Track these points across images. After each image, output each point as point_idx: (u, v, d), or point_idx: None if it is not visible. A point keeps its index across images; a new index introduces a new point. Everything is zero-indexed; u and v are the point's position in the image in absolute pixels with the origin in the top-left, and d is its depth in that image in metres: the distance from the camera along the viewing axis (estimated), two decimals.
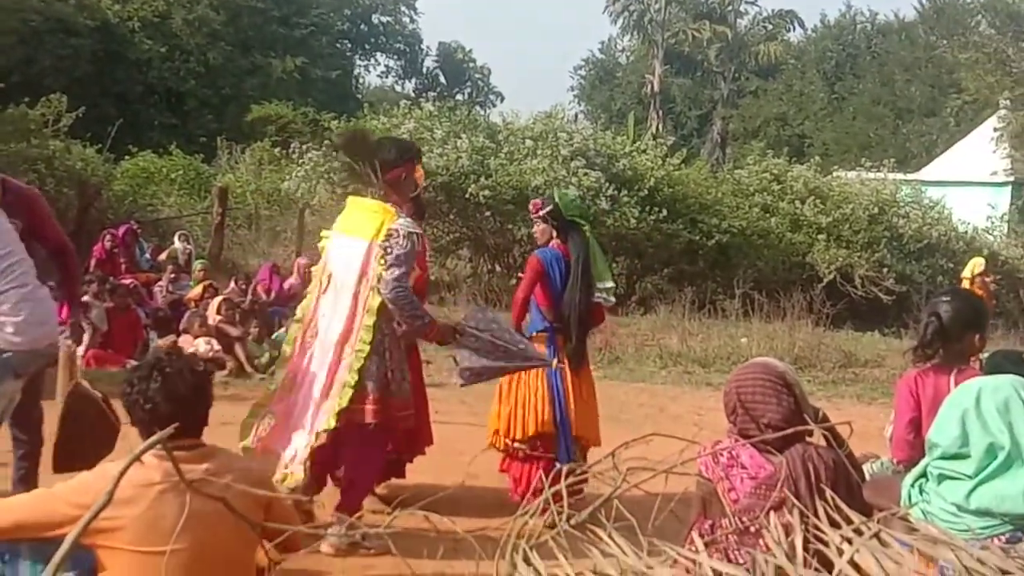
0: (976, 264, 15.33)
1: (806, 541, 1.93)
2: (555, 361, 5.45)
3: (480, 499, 5.32)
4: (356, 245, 4.65)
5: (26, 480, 4.46)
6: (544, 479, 2.36)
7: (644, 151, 18.10)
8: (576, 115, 32.58)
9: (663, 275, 17.53)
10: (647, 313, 15.28)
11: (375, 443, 4.75)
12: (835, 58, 46.40)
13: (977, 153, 26.65)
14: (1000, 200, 24.83)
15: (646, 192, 16.45)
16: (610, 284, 5.62)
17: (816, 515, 1.98)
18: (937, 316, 3.74)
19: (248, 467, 3.06)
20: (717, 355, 11.80)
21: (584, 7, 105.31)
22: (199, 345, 9.83)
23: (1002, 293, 18.10)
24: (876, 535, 1.88)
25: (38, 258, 4.37)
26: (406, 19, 52.23)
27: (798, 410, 3.09)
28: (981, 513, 2.67)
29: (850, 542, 1.84)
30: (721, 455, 3.07)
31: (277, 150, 21.66)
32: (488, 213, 15.90)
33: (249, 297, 11.70)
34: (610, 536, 1.96)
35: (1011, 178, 25.94)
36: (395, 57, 53.79)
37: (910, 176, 24.88)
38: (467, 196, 15.45)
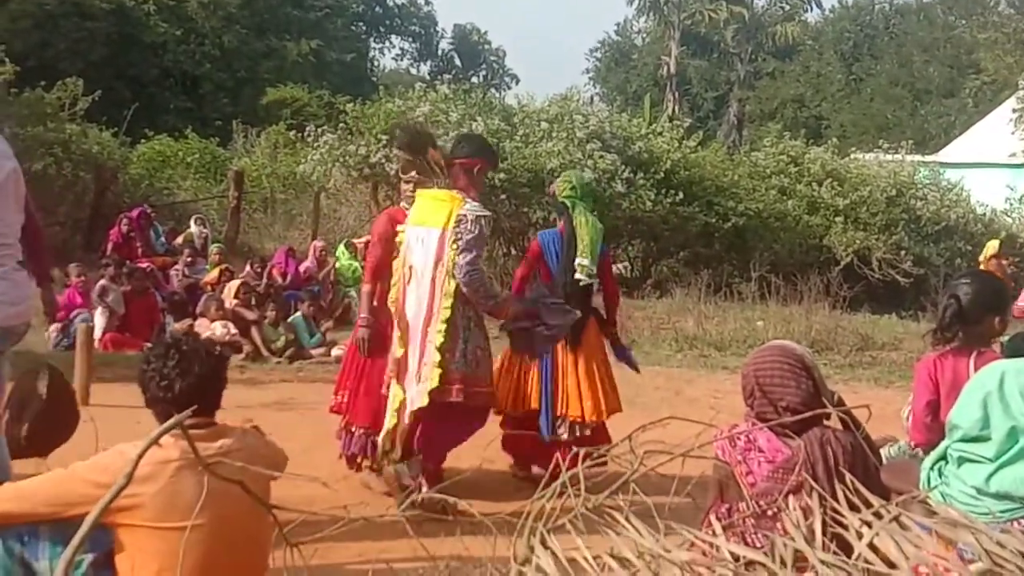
0: (989, 247, 15.20)
1: (825, 524, 1.92)
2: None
3: (497, 483, 5.34)
4: (431, 234, 4.92)
5: None
6: (561, 463, 2.36)
7: (660, 133, 18.02)
8: (592, 97, 32.43)
9: (679, 258, 17.46)
10: (663, 296, 15.23)
11: (456, 419, 4.97)
12: (853, 39, 46.10)
13: (996, 134, 26.41)
14: (1019, 181, 24.56)
15: (662, 175, 16.38)
16: (584, 261, 5.67)
17: (835, 498, 1.97)
18: (956, 298, 3.71)
19: (256, 446, 3.07)
20: (733, 338, 11.75)
21: None
22: (215, 328, 9.86)
23: (1020, 275, 17.96)
24: (896, 518, 1.87)
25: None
26: (421, 1, 52.20)
27: (817, 393, 3.07)
28: (1001, 496, 2.65)
29: (869, 525, 1.83)
30: (738, 438, 3.06)
31: (292, 133, 21.64)
32: (503, 196, 15.86)
33: (265, 280, 11.73)
34: (627, 519, 1.95)
35: None
36: (410, 39, 53.77)
37: (928, 158, 24.72)
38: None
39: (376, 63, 50.87)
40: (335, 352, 9.67)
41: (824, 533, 1.89)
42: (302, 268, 12.60)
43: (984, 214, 20.46)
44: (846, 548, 1.83)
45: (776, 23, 45.37)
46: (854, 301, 14.50)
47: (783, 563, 1.79)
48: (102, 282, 10.21)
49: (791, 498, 2.23)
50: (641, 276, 16.74)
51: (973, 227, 19.53)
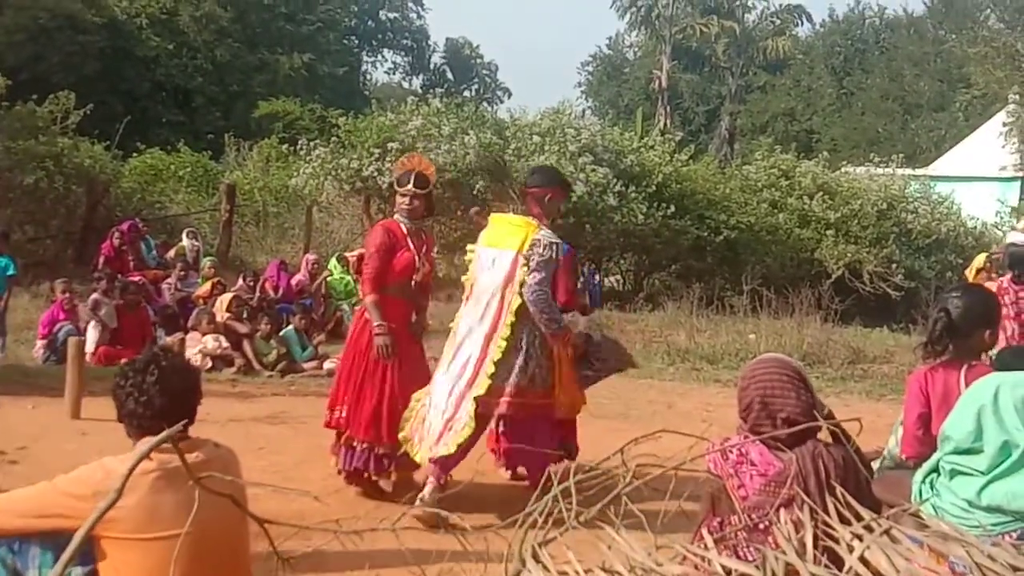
0: (977, 261, 15.22)
1: (816, 538, 1.92)
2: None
3: (489, 496, 5.32)
4: (504, 255, 5.19)
5: None
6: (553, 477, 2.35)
7: (652, 147, 18.08)
8: (584, 111, 32.50)
9: (671, 271, 17.51)
10: (655, 309, 15.25)
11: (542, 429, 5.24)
12: (843, 53, 46.28)
13: (986, 148, 26.55)
14: (1010, 195, 24.66)
15: (654, 188, 16.43)
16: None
17: (826, 512, 1.98)
18: (947, 312, 3.72)
19: (227, 458, 3.08)
20: (725, 351, 11.77)
21: (591, 2, 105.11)
22: (207, 342, 9.84)
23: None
24: (887, 531, 1.87)
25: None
26: (413, 15, 52.35)
27: (814, 405, 3.09)
28: (992, 509, 2.65)
29: (860, 539, 1.84)
30: (730, 452, 3.06)
31: (285, 147, 21.70)
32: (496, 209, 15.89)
33: (257, 294, 11.72)
34: (619, 532, 1.95)
35: (1020, 173, 25.81)
36: (402, 53, 53.83)
37: (919, 171, 24.78)
38: (475, 192, 15.43)
39: (368, 77, 51.05)
40: (327, 365, 9.65)
41: (815, 546, 1.90)
42: (294, 281, 12.58)
43: (975, 227, 20.55)
44: (837, 561, 1.83)
45: (767, 37, 45.53)
46: (845, 314, 14.53)
47: None
48: (95, 296, 10.18)
49: (783, 511, 2.24)
50: (633, 289, 16.78)
51: (964, 240, 19.63)
